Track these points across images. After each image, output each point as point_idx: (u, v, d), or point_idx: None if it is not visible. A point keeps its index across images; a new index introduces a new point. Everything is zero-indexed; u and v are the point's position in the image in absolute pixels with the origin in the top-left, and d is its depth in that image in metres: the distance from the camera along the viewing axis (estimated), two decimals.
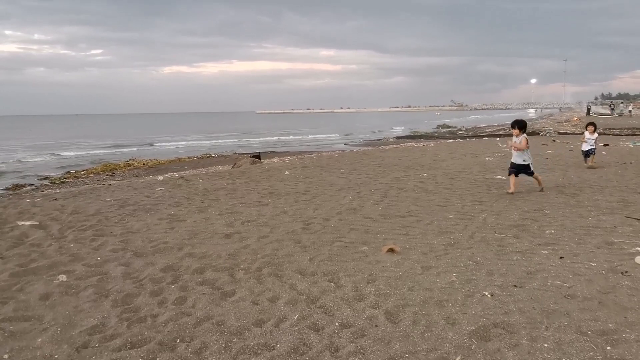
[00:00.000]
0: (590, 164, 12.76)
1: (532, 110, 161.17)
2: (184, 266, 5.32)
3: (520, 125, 9.31)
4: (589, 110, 66.80)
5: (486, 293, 4.28)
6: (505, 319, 3.77)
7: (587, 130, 13.28)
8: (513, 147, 9.31)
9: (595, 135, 13.15)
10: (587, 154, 12.97)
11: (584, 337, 3.47)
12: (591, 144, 12.93)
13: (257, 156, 19.53)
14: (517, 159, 9.23)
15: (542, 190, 9.25)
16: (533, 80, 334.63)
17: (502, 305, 4.03)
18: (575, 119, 50.63)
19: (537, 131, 32.29)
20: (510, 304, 4.05)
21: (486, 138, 29.19)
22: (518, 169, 9.26)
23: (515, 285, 4.44)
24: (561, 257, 5.24)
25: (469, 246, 5.77)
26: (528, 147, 9.26)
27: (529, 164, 9.25)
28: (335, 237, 6.36)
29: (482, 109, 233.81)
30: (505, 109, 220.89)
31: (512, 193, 9.01)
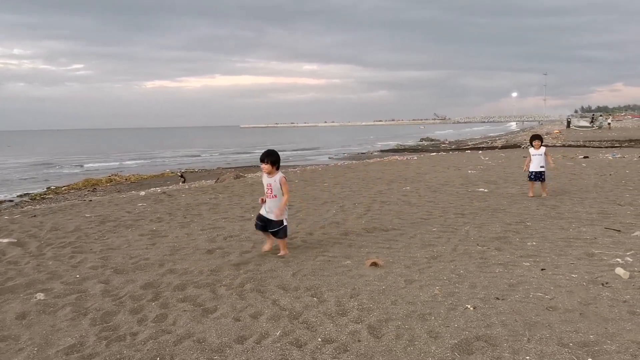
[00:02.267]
0: (542, 192, 10.11)
1: (513, 123, 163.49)
2: (165, 283, 5.24)
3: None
4: (569, 122, 67.92)
5: (469, 306, 4.28)
6: (488, 332, 3.77)
7: (532, 145, 10.31)
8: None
9: (542, 150, 10.13)
10: (534, 176, 10.11)
11: (566, 349, 3.48)
12: (540, 162, 10.03)
13: (182, 175, 20.07)
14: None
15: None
16: (514, 94, 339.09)
17: (484, 317, 4.03)
18: (556, 131, 51.43)
19: (518, 144, 32.72)
20: (492, 316, 4.05)
21: (469, 151, 29.48)
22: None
23: (498, 298, 4.46)
24: (542, 269, 5.27)
25: (451, 259, 5.79)
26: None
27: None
28: (319, 252, 6.34)
29: (465, 122, 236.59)
30: (488, 121, 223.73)
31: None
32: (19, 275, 5.66)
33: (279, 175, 6.13)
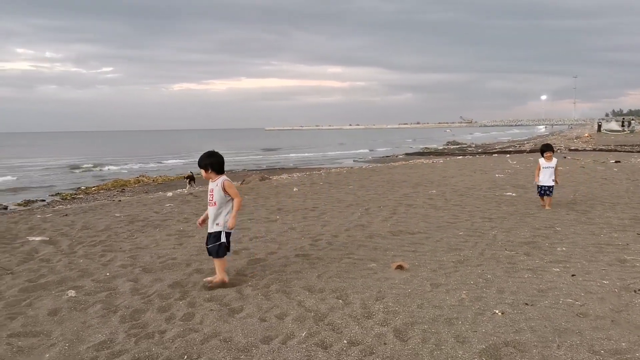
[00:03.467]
0: (546, 206, 9.27)
1: (542, 127, 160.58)
2: (192, 282, 5.31)
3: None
4: (599, 126, 66.44)
5: (497, 311, 4.23)
6: (517, 338, 3.71)
7: (543, 156, 9.42)
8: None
9: (554, 162, 9.34)
10: (543, 191, 9.36)
11: (597, 357, 3.41)
12: (550, 175, 9.26)
13: (190, 177, 18.39)
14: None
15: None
16: (543, 97, 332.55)
17: (513, 323, 3.97)
18: (587, 135, 50.39)
19: None
20: (521, 322, 3.99)
21: (496, 155, 29.08)
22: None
23: (527, 303, 4.38)
24: (573, 275, 5.17)
25: (479, 263, 5.72)
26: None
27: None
28: (344, 254, 6.33)
29: (492, 125, 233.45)
30: (515, 125, 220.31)
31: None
32: (51, 272, 5.80)
33: (221, 179, 5.20)
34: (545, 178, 9.27)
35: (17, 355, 3.74)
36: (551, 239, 6.86)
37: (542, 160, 9.38)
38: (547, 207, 9.23)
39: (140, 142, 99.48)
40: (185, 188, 17.08)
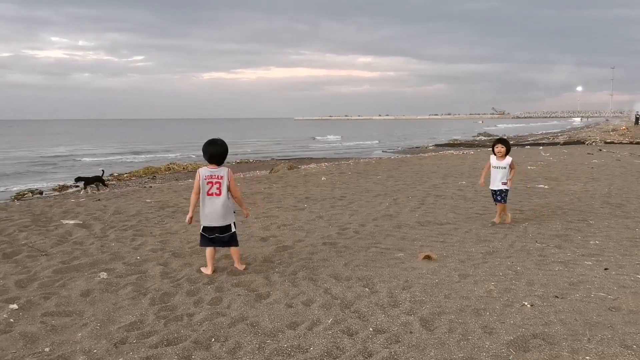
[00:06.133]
0: (505, 216, 7.38)
1: (577, 119, 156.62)
2: (220, 267, 5.37)
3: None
4: (637, 119, 64.32)
5: (526, 303, 4.16)
6: (546, 330, 3.65)
7: (493, 151, 7.35)
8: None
9: (507, 160, 7.19)
10: (496, 195, 7.32)
11: (629, 351, 3.32)
12: (503, 178, 7.18)
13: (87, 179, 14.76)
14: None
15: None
16: (579, 88, 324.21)
17: (542, 315, 3.90)
18: (624, 127, 48.87)
19: (582, 140, 31.37)
20: (550, 314, 3.92)
21: (528, 147, 28.50)
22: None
23: (557, 296, 4.30)
24: (606, 269, 5.04)
25: (508, 255, 5.63)
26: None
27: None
28: (371, 243, 6.32)
29: (525, 117, 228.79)
30: (549, 117, 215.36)
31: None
32: (84, 255, 5.95)
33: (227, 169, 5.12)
34: (496, 180, 7.23)
35: (50, 333, 3.85)
36: (584, 232, 6.70)
37: (492, 158, 7.36)
38: (506, 220, 7.30)
39: (171, 131, 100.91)
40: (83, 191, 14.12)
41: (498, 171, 7.24)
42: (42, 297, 4.56)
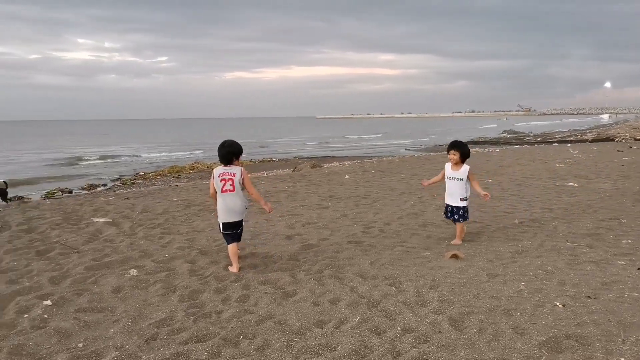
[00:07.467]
0: (456, 237, 6.13)
1: (605, 116, 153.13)
2: (247, 265, 5.41)
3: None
4: None
5: (557, 303, 4.08)
6: (579, 331, 3.57)
7: (450, 158, 6.16)
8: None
9: (464, 171, 6.00)
10: (450, 212, 6.15)
11: None
12: (459, 191, 6.02)
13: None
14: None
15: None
16: (607, 84, 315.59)
17: (574, 316, 3.83)
18: None
19: (612, 137, 30.69)
20: (583, 315, 3.84)
21: (556, 144, 28.00)
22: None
23: (589, 296, 4.21)
24: (639, 269, 4.92)
25: (538, 254, 5.54)
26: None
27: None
28: (397, 242, 6.28)
29: (552, 114, 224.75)
30: (577, 113, 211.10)
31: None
32: (114, 252, 6.06)
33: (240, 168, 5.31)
34: (452, 194, 6.08)
35: (83, 329, 3.93)
36: (616, 231, 6.55)
37: (447, 166, 6.18)
38: (455, 240, 6.09)
39: (196, 130, 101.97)
40: None
41: (453, 183, 6.05)
42: (74, 293, 4.66)
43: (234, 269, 5.25)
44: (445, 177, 6.16)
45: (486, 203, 8.76)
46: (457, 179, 6.02)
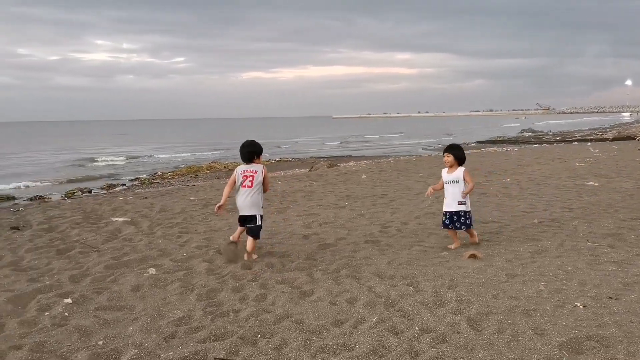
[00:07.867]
0: (454, 244, 5.89)
1: (626, 114, 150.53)
2: (264, 265, 5.43)
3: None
4: None
5: (578, 304, 4.02)
6: (600, 332, 3.51)
7: (444, 161, 6.10)
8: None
9: (459, 172, 5.89)
10: (449, 220, 5.88)
11: None
12: (456, 196, 5.85)
13: None
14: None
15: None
16: (627, 82, 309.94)
17: (595, 317, 3.77)
18: None
19: (633, 136, 30.18)
20: (605, 316, 3.77)
21: (576, 143, 27.61)
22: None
23: (611, 297, 4.14)
24: None
25: (558, 255, 5.46)
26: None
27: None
28: (414, 241, 6.25)
29: (571, 112, 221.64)
30: (597, 112, 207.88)
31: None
32: (133, 251, 6.13)
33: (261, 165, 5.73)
34: (449, 200, 5.90)
35: (103, 327, 3.98)
36: (637, 230, 6.43)
37: (443, 171, 6.11)
38: (453, 247, 5.83)
39: (212, 130, 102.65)
40: None
41: (450, 186, 5.91)
42: (94, 291, 4.72)
43: (232, 237, 5.75)
44: (444, 181, 6.03)
45: (504, 202, 8.68)
46: (453, 182, 5.91)
